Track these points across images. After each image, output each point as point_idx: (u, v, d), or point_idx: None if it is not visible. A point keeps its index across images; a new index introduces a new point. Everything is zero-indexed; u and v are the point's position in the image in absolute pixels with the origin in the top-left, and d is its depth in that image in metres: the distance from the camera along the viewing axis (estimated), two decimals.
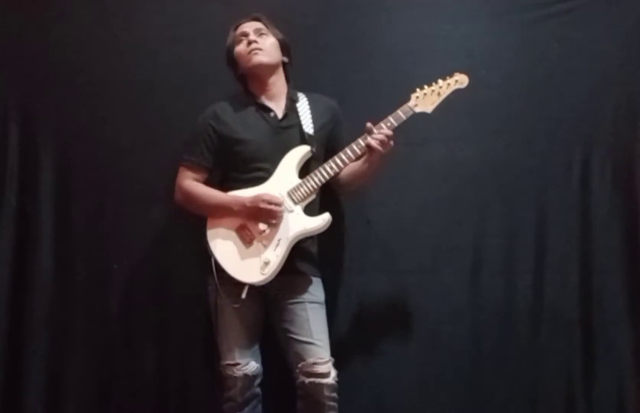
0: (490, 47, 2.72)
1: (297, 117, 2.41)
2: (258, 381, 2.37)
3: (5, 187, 2.71)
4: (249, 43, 2.40)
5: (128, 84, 2.74)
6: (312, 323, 2.33)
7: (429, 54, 2.71)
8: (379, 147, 2.26)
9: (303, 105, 2.43)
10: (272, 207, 2.26)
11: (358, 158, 2.34)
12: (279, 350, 2.40)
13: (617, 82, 2.68)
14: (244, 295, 2.27)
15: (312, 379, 2.27)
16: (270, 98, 2.44)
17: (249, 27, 2.45)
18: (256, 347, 2.40)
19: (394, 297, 2.67)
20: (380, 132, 2.27)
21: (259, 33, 2.43)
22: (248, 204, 2.28)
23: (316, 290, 2.40)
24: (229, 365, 2.34)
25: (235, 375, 2.32)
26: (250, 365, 2.34)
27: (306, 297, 2.36)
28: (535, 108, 2.69)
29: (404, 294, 2.67)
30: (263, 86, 2.44)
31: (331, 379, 2.29)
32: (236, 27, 2.48)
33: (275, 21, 2.67)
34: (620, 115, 2.67)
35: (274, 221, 2.28)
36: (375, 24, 2.74)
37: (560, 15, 2.69)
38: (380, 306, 2.67)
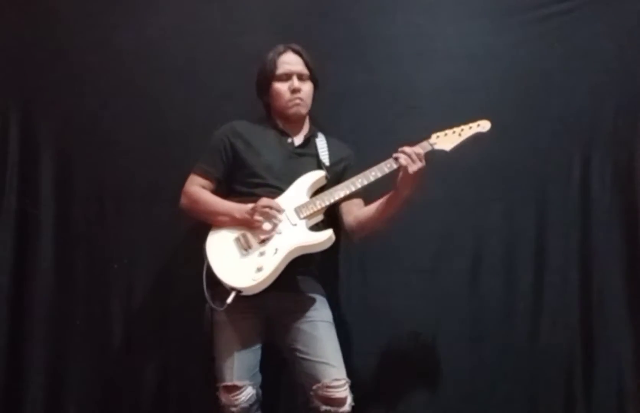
0: (490, 47, 2.72)
1: (314, 149, 2.39)
2: (256, 407, 2.30)
3: (5, 187, 2.71)
4: (294, 91, 2.35)
5: (128, 84, 2.73)
6: (324, 341, 2.24)
7: (429, 54, 2.71)
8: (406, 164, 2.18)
9: (321, 142, 2.41)
10: (268, 209, 2.21)
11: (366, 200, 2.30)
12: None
13: (617, 82, 2.68)
14: (229, 301, 2.15)
15: (327, 407, 2.17)
16: (291, 129, 2.42)
17: (293, 65, 2.37)
18: (256, 370, 2.31)
19: (394, 297, 2.67)
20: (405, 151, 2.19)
21: (301, 78, 2.37)
22: (249, 208, 2.23)
23: (324, 308, 2.33)
24: (225, 387, 2.26)
25: (230, 405, 2.24)
26: (247, 392, 2.25)
27: (315, 315, 2.27)
28: (535, 108, 2.69)
29: (404, 294, 2.67)
30: (288, 123, 2.42)
31: (347, 407, 2.19)
32: (278, 54, 2.37)
33: (274, 22, 2.67)
34: (620, 115, 2.67)
35: (273, 222, 2.22)
36: (375, 25, 2.73)
37: (560, 15, 2.70)
38: (380, 306, 2.67)
